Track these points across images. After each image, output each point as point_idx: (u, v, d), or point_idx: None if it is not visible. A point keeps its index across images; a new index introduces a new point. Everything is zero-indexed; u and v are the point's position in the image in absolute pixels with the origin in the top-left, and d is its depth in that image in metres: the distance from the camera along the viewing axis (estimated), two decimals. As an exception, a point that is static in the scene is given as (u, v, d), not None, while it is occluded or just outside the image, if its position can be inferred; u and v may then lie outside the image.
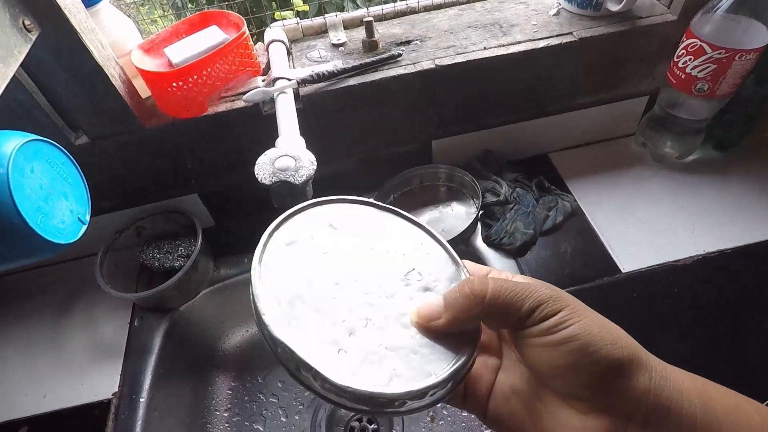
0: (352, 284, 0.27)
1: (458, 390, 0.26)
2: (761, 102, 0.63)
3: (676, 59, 0.59)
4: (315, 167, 0.44)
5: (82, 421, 0.54)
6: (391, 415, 0.27)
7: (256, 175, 0.43)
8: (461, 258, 0.31)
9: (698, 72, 0.57)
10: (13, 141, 0.38)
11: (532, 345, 0.24)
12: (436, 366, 0.24)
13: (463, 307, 0.24)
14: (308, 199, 0.47)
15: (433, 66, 0.58)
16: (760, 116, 0.65)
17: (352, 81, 0.58)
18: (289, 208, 0.47)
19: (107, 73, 0.50)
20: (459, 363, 0.24)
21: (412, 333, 0.25)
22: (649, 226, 0.62)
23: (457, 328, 0.25)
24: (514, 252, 0.62)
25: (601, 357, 0.22)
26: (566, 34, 0.60)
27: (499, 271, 0.30)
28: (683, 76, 0.58)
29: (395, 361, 0.24)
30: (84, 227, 0.46)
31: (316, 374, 0.22)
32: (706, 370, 0.49)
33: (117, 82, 0.52)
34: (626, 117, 0.71)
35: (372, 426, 0.67)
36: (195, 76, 0.54)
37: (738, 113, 0.64)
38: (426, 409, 0.24)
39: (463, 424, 0.64)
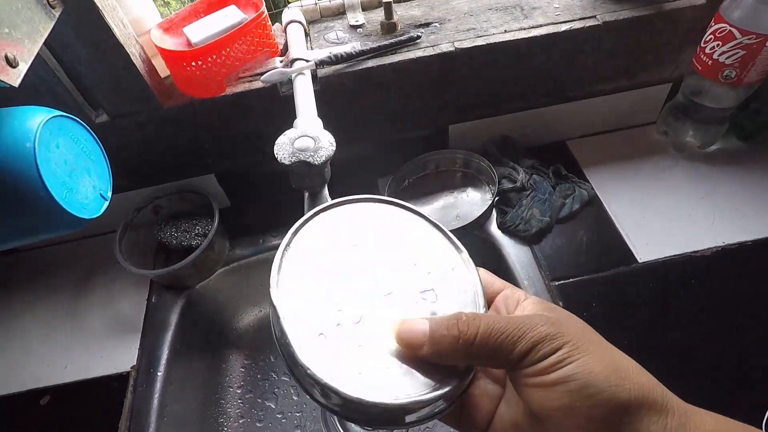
0: (366, 282, 0.27)
1: (454, 410, 0.25)
2: (790, 91, 0.61)
3: (703, 45, 0.57)
4: (334, 148, 0.44)
5: (101, 392, 0.56)
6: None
7: (276, 155, 0.43)
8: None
9: (726, 58, 0.55)
10: (39, 116, 0.39)
11: (526, 385, 0.22)
12: (410, 389, 0.23)
13: (448, 346, 0.22)
14: (326, 180, 0.47)
15: (452, 49, 0.57)
16: (788, 106, 0.64)
17: (371, 63, 0.57)
18: (306, 189, 0.47)
19: (128, 51, 0.50)
20: (433, 394, 0.23)
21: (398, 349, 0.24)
22: (667, 216, 0.61)
23: (440, 362, 0.23)
24: (530, 239, 0.61)
25: (602, 399, 0.20)
26: (589, 17, 0.58)
27: (513, 289, 0.28)
28: (710, 63, 0.57)
29: (368, 368, 0.23)
30: (106, 203, 0.46)
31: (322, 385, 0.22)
32: (720, 364, 0.49)
33: (137, 61, 0.52)
34: (648, 105, 0.70)
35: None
36: (214, 56, 0.54)
37: (765, 102, 0.63)
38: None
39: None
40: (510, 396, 0.25)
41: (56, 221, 0.41)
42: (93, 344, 0.60)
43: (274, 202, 0.71)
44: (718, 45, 0.55)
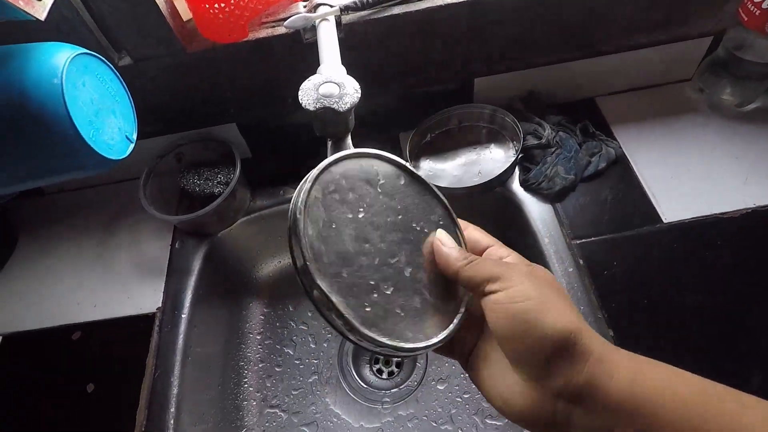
0: (381, 245, 0.30)
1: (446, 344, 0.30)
2: (841, 47, 0.57)
3: (751, -6, 0.54)
4: (359, 95, 0.43)
5: (129, 331, 0.58)
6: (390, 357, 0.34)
7: (300, 100, 0.43)
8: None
9: (776, 9, 0.52)
10: (66, 52, 0.39)
11: (485, 310, 0.26)
12: (433, 330, 0.29)
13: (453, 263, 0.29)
14: (350, 129, 0.46)
15: (483, -6, 0.55)
16: (837, 64, 0.60)
17: (397, 10, 0.55)
18: (330, 137, 0.46)
19: (150, -9, 0.49)
20: (448, 331, 0.29)
21: (422, 297, 0.29)
22: (697, 176, 0.60)
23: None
24: (552, 197, 0.61)
25: (532, 325, 0.24)
26: (631, -38, 0.55)
27: (498, 246, 0.31)
28: (758, 13, 0.53)
29: (406, 321, 0.28)
30: (132, 145, 0.47)
31: (347, 322, 0.26)
32: (742, 329, 0.49)
33: (160, 2, 0.51)
34: (684, 60, 0.67)
35: (396, 358, 0.70)
36: (236, -2, 0.52)
37: (812, 59, 0.59)
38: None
39: (486, 361, 0.66)
40: (486, 333, 0.30)
41: (83, 160, 0.41)
42: (120, 285, 0.62)
43: (294, 154, 0.71)
44: (769, -6, 0.52)
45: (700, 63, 0.66)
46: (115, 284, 0.62)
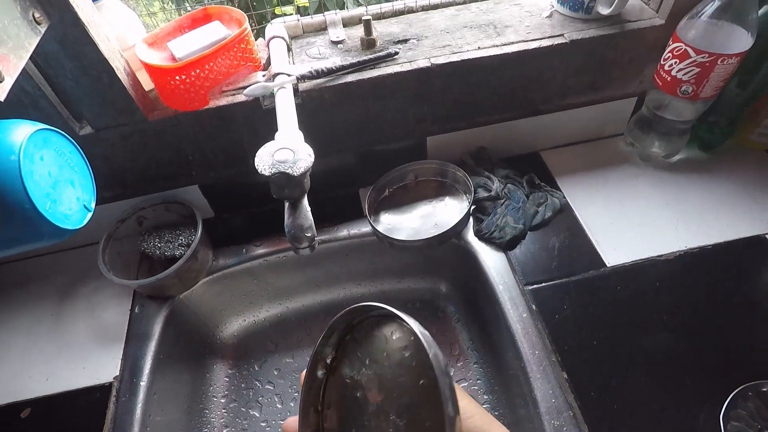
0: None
1: None
2: (743, 104, 0.65)
3: (662, 62, 0.61)
4: (312, 159, 0.46)
5: (84, 403, 0.56)
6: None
7: (257, 166, 0.45)
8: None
9: (683, 75, 0.59)
10: (24, 129, 0.40)
11: None
12: None
13: None
14: (305, 191, 0.48)
15: (428, 64, 0.60)
16: (743, 118, 0.68)
17: (350, 78, 0.59)
18: (286, 199, 0.48)
19: (112, 65, 0.51)
20: None
21: None
22: (634, 222, 0.65)
23: None
24: (504, 246, 0.64)
25: None
26: (558, 35, 0.62)
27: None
28: (669, 79, 0.60)
29: None
30: (90, 214, 0.47)
31: None
32: (685, 361, 0.52)
33: (122, 75, 0.53)
34: (615, 117, 0.74)
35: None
36: (197, 71, 0.56)
37: (721, 115, 0.67)
38: None
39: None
40: None
41: (40, 232, 0.42)
42: (75, 355, 0.60)
43: (256, 212, 0.73)
44: (675, 63, 0.59)
45: (629, 120, 0.73)
46: (70, 354, 0.60)
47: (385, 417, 0.29)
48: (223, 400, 0.69)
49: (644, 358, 0.53)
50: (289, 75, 0.57)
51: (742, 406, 0.47)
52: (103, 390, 0.56)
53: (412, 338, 0.29)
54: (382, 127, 0.66)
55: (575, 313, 0.57)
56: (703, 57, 0.56)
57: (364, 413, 0.30)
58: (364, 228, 0.69)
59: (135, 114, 0.56)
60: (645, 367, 0.53)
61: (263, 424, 0.67)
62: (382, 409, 0.30)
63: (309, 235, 0.48)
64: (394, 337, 0.30)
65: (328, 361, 0.34)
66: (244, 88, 0.57)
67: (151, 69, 0.55)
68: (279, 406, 0.69)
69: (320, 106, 0.61)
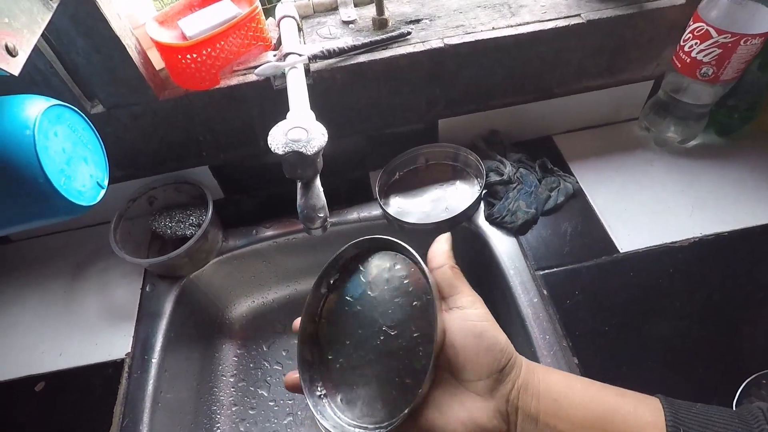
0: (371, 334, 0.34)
1: None
2: (764, 87, 0.64)
3: (682, 43, 0.60)
4: (326, 138, 0.45)
5: (96, 379, 0.57)
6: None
7: (270, 145, 0.45)
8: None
9: (703, 56, 0.57)
10: (38, 104, 0.40)
11: (456, 330, 0.31)
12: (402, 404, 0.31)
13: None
14: (318, 171, 0.48)
15: (441, 45, 0.59)
16: (763, 102, 0.66)
17: (362, 58, 0.59)
18: (299, 179, 0.48)
19: (124, 43, 0.51)
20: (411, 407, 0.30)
21: (388, 371, 0.33)
22: (648, 208, 0.64)
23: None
24: (516, 230, 0.63)
25: (487, 337, 0.30)
26: (574, 15, 0.60)
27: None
28: (689, 60, 0.59)
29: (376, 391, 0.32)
30: (103, 191, 0.48)
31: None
32: (698, 349, 0.51)
33: (133, 53, 0.53)
34: (630, 101, 0.72)
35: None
36: (208, 49, 0.55)
37: (741, 99, 0.65)
38: None
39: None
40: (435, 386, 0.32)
41: (54, 208, 0.42)
42: (88, 332, 0.60)
43: (266, 194, 0.73)
44: (696, 43, 0.57)
45: (645, 104, 0.71)
46: (82, 331, 0.61)
47: (378, 328, 0.33)
48: (231, 379, 0.70)
49: (656, 345, 0.53)
50: (300, 55, 0.57)
51: (756, 395, 0.47)
52: (116, 366, 0.57)
53: (412, 269, 0.34)
54: (393, 109, 0.65)
55: (587, 298, 0.57)
56: (725, 37, 0.54)
57: (359, 324, 0.34)
58: (375, 211, 0.69)
59: (146, 93, 0.56)
60: (657, 354, 0.52)
61: (271, 404, 0.68)
62: (375, 322, 0.34)
63: (321, 215, 0.48)
64: (396, 267, 0.35)
65: (332, 281, 0.38)
66: (255, 67, 0.57)
67: (161, 47, 0.55)
68: (288, 387, 0.70)
69: (331, 87, 0.60)
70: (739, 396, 0.48)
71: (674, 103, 0.65)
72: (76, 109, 0.44)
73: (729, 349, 0.52)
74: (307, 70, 0.58)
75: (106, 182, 0.48)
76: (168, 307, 0.62)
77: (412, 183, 0.70)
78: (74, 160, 0.43)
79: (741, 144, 0.69)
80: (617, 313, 0.56)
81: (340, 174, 0.73)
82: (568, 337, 0.55)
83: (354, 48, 0.59)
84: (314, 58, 0.58)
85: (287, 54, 0.57)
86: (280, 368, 0.71)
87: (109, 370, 0.57)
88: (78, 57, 0.51)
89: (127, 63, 0.53)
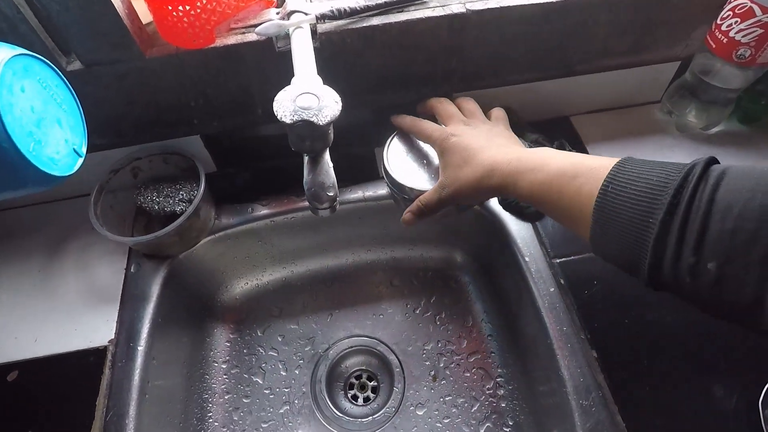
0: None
1: None
2: (797, 73, 0.60)
3: (719, 21, 0.56)
4: (340, 107, 0.40)
5: (76, 368, 0.51)
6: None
7: (276, 112, 0.39)
8: None
9: (742, 36, 0.53)
10: (2, 53, 0.34)
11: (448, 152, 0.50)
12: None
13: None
14: (328, 144, 0.43)
15: (463, 10, 0.53)
16: (793, 89, 0.63)
17: (375, 21, 0.53)
18: (307, 152, 0.43)
19: (105, -11, 0.44)
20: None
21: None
22: (669, 196, 0.61)
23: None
24: (531, 216, 0.60)
25: (476, 160, 0.47)
26: (608, -15, 0.55)
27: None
28: (725, 41, 0.55)
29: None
30: (81, 160, 0.42)
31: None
32: (721, 343, 0.49)
33: (116, 1, 0.46)
34: (654, 83, 0.68)
35: (371, 383, 0.67)
36: (203, 1, 0.49)
37: (771, 85, 0.62)
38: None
39: (465, 385, 0.64)
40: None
41: (22, 177, 0.36)
42: (66, 316, 0.55)
43: (263, 168, 0.67)
44: (736, 22, 0.53)
45: (669, 86, 0.68)
46: (60, 315, 0.55)
47: None
48: (224, 366, 0.66)
49: (678, 339, 0.51)
50: (306, 14, 0.51)
51: (784, 393, 0.45)
52: (98, 354, 0.52)
53: None
54: (406, 80, 0.60)
55: (606, 289, 0.54)
56: (771, 15, 0.50)
57: None
58: (380, 190, 0.64)
59: (131, 49, 0.49)
60: (679, 348, 0.50)
61: (266, 391, 0.64)
62: None
63: (331, 194, 0.43)
64: None
65: None
66: (256, 26, 0.50)
67: (149, -3, 0.48)
68: (283, 374, 0.66)
69: (340, 51, 0.54)
70: (766, 392, 0.46)
71: (702, 87, 0.61)
72: (47, 61, 0.38)
73: (755, 343, 0.50)
74: (313, 32, 0.52)
75: (84, 149, 0.42)
76: (155, 290, 0.57)
77: (420, 154, 0.65)
78: (46, 122, 0.37)
79: (765, 132, 0.66)
80: (637, 305, 0.53)
81: (344, 149, 0.68)
82: (586, 329, 0.52)
83: (367, 9, 0.53)
84: (322, 17, 0.52)
85: (292, 12, 0.50)
86: (276, 354, 0.67)
87: (91, 359, 0.52)
88: (51, 2, 0.44)
89: (110, 13, 0.46)
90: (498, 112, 0.57)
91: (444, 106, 0.56)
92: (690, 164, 0.33)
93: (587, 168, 0.38)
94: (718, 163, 0.33)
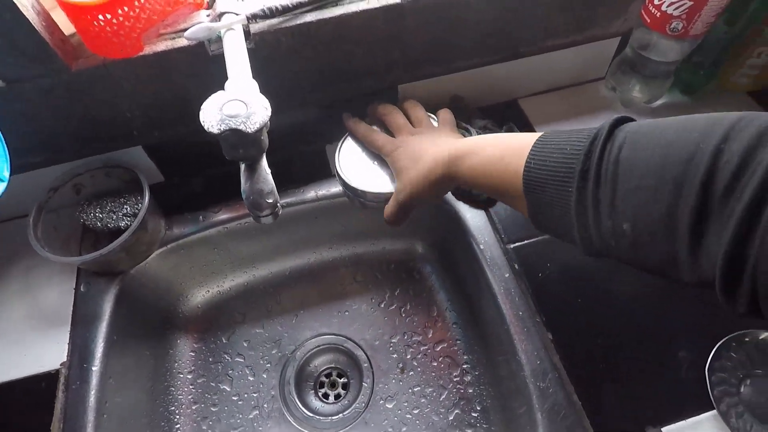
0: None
1: None
2: (729, 43, 0.62)
3: (651, -4, 0.56)
4: (269, 113, 0.39)
5: (28, 394, 0.50)
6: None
7: (203, 123, 0.38)
8: None
9: (674, 9, 0.54)
10: None
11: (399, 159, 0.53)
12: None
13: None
14: (263, 150, 0.43)
15: (398, 0, 0.53)
16: (727, 59, 0.64)
17: (309, 17, 0.52)
18: (241, 160, 0.42)
19: (15, 0, 0.42)
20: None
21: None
22: (616, 172, 0.62)
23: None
24: (484, 202, 0.60)
25: (423, 157, 0.49)
26: (541, -35, 0.55)
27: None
28: (658, 14, 0.56)
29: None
30: (4, 185, 0.40)
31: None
32: (671, 315, 0.50)
33: (30, 13, 0.44)
34: (597, 60, 0.69)
35: (342, 380, 0.67)
36: (126, 8, 0.46)
37: (706, 55, 0.63)
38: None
39: (433, 374, 0.65)
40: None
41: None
42: (13, 342, 0.53)
43: (212, 175, 0.66)
44: (666, -4, 0.54)
45: (611, 63, 0.68)
46: (7, 341, 0.53)
47: None
48: (189, 376, 0.65)
49: (630, 314, 0.52)
50: (237, 14, 0.49)
51: (726, 357, 0.47)
52: (50, 378, 0.51)
53: None
54: (347, 75, 0.59)
55: (558, 270, 0.55)
56: (697, -11, 0.51)
57: None
58: (334, 188, 0.64)
59: (53, 62, 0.47)
60: (631, 323, 0.52)
61: (235, 398, 0.64)
62: None
63: (270, 201, 0.43)
64: None
65: None
66: (186, 29, 0.49)
67: (66, 6, 0.45)
68: (251, 379, 0.66)
69: (276, 51, 0.53)
70: (711, 359, 0.48)
71: (642, 61, 0.62)
72: (-47, 84, 0.36)
73: (702, 314, 0.51)
74: (246, 32, 0.50)
75: (7, 174, 0.41)
76: (107, 308, 0.56)
77: (372, 155, 0.64)
78: (-41, 149, 0.36)
79: (705, 102, 0.68)
80: (589, 284, 0.54)
81: (293, 149, 0.67)
82: (541, 312, 0.53)
83: (300, 5, 0.51)
84: (254, 17, 0.51)
85: (222, 13, 0.49)
86: (242, 360, 0.67)
87: (42, 384, 0.51)
88: (-43, 20, 0.42)
89: (23, 26, 0.44)
90: (445, 114, 0.57)
91: (393, 117, 0.57)
92: (597, 128, 0.33)
93: (513, 147, 0.38)
94: (631, 121, 0.33)
